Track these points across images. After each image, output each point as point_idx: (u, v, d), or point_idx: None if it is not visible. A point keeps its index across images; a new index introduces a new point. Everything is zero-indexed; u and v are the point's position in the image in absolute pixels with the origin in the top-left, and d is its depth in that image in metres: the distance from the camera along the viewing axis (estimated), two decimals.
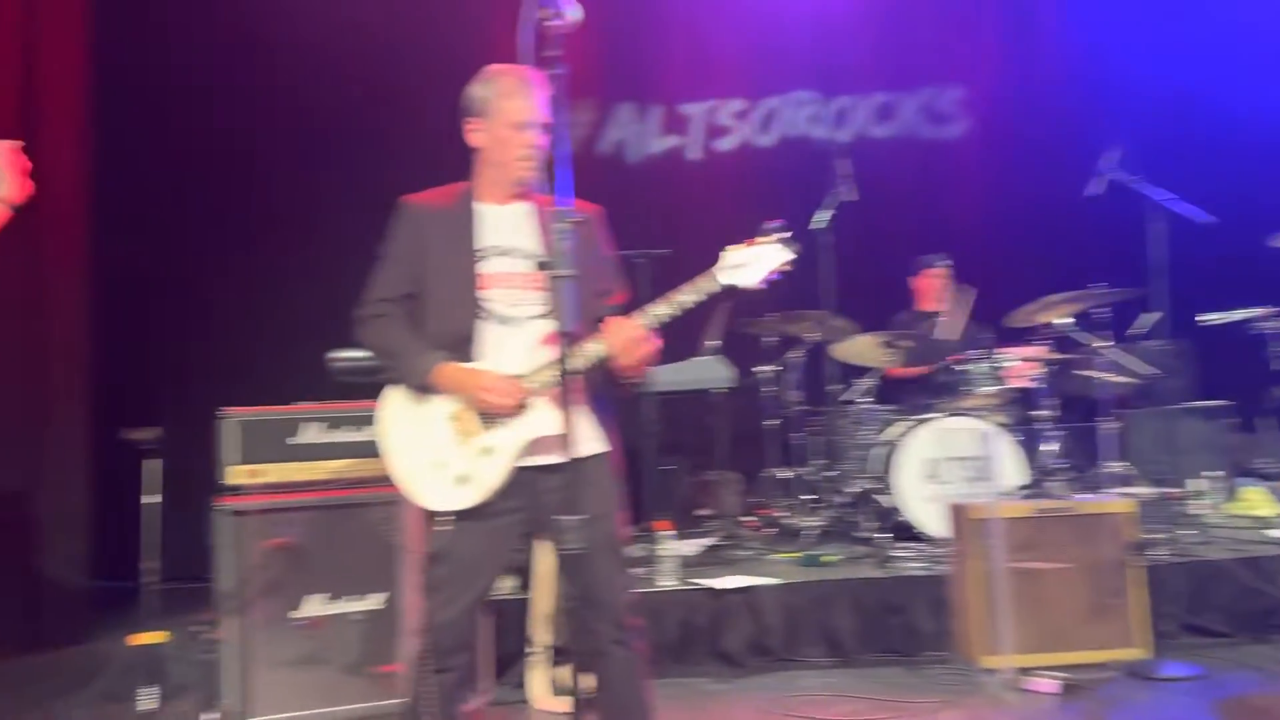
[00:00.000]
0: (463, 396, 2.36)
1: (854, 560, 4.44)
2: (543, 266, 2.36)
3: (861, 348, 5.08)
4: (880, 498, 4.73)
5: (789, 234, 2.36)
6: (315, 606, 3.43)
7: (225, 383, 5.22)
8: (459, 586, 2.37)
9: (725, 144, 6.76)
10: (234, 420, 3.46)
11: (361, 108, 5.95)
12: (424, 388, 2.39)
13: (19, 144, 2.71)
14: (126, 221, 5.49)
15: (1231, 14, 6.62)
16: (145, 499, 3.50)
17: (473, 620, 2.44)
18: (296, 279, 5.76)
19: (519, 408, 2.33)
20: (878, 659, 3.92)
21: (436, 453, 2.38)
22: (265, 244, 5.92)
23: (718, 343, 5.03)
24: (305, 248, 5.80)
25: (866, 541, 4.60)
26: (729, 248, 2.36)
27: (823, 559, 4.42)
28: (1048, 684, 3.55)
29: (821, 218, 5.23)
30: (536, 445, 2.32)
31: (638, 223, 6.04)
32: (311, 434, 3.54)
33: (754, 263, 2.34)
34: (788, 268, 2.35)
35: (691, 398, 5.33)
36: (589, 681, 2.43)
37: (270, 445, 3.49)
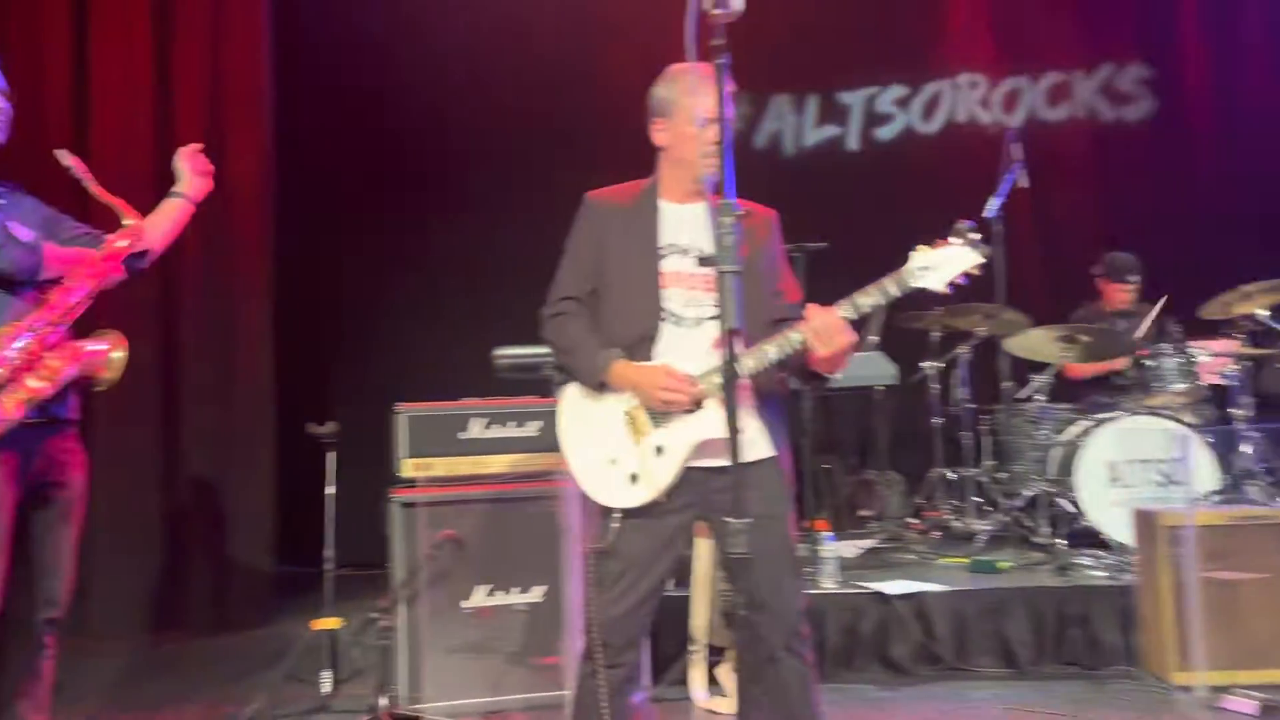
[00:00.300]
0: (636, 393, 2.36)
1: (1029, 567, 4.22)
2: (704, 262, 2.34)
3: (1037, 342, 4.81)
4: (1058, 501, 4.48)
5: (979, 235, 2.24)
6: (480, 598, 3.51)
7: (399, 377, 5.48)
8: (629, 583, 2.36)
9: (886, 132, 6.55)
10: (406, 415, 3.58)
11: (537, 107, 6.00)
12: (600, 385, 2.40)
13: (199, 146, 2.87)
14: (307, 222, 5.78)
15: None
16: (328, 490, 3.65)
17: (643, 618, 2.42)
18: (468, 276, 5.92)
19: (692, 404, 2.30)
20: (1056, 672, 3.72)
21: (610, 450, 2.39)
22: (439, 242, 6.09)
23: (878, 338, 4.88)
24: (479, 245, 5.95)
25: (1043, 548, 4.37)
26: (918, 249, 2.25)
27: (998, 565, 4.22)
28: (1246, 704, 3.29)
29: (991, 205, 4.99)
30: (707, 446, 2.29)
31: (794, 216, 5.89)
32: (478, 429, 3.63)
33: (943, 265, 2.23)
34: (977, 271, 2.24)
35: (852, 395, 5.20)
36: (755, 686, 2.39)
37: (439, 440, 3.59)
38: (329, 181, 6.07)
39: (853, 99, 6.58)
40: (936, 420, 5.19)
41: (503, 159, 6.04)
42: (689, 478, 2.34)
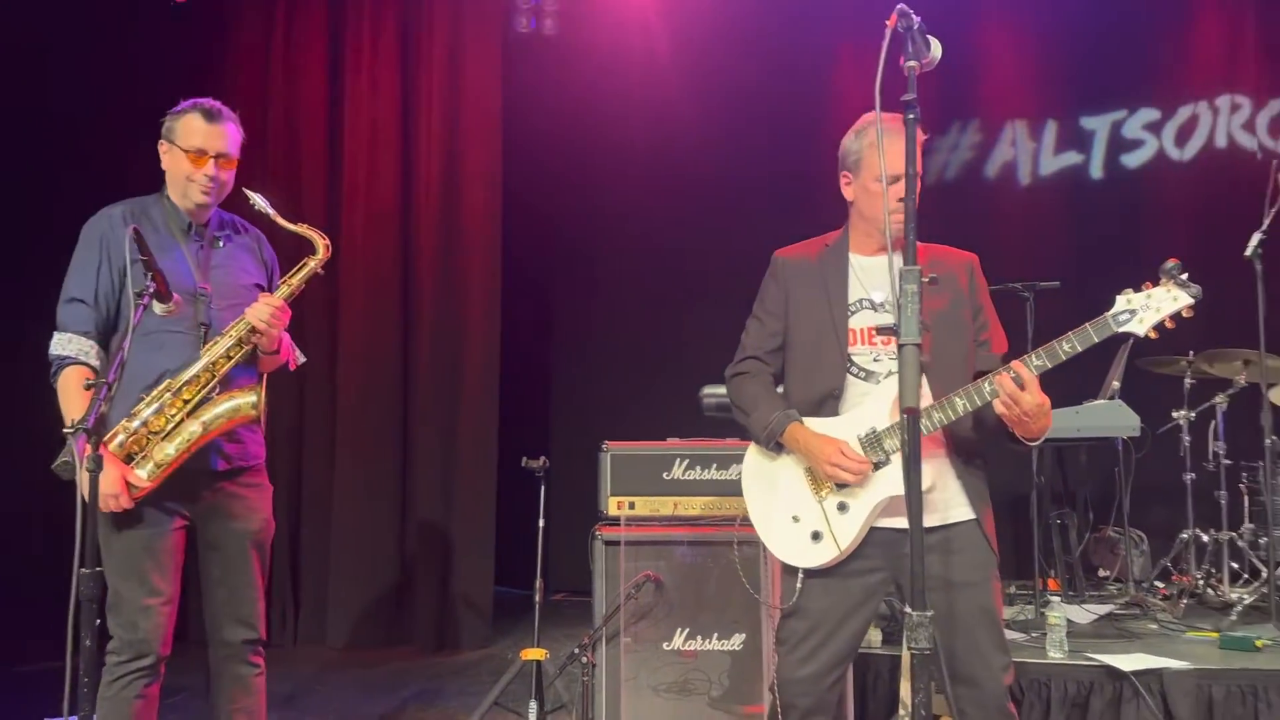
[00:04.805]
0: (809, 460, 2.30)
1: None
2: (882, 331, 2.25)
3: None
4: None
5: (1186, 274, 2.08)
6: (679, 641, 3.50)
7: (611, 415, 5.61)
8: (816, 644, 2.30)
9: (1134, 160, 6.07)
10: (612, 453, 3.64)
11: (752, 152, 6.06)
12: (776, 446, 2.36)
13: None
14: (528, 262, 6.08)
15: None
16: (541, 523, 3.76)
17: (834, 679, 2.34)
18: (681, 312, 6.03)
19: (865, 477, 2.21)
20: None
21: (792, 507, 2.35)
22: (652, 281, 6.27)
23: (1119, 385, 4.49)
24: (694, 284, 6.05)
25: None
26: (1124, 292, 2.14)
27: (1255, 643, 3.77)
28: None
29: (1254, 242, 4.50)
30: (896, 505, 2.19)
31: (1028, 251, 5.66)
32: (682, 470, 3.63)
33: (1148, 309, 2.10)
34: (1188, 314, 2.09)
35: (1090, 446, 4.82)
36: None
37: (643, 479, 3.62)
38: (547, 223, 6.37)
39: (1097, 124, 6.14)
40: (1188, 476, 4.72)
41: (715, 200, 6.11)
42: (878, 538, 2.25)
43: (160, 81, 4.96)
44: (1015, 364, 2.15)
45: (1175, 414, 4.75)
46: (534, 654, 3.70)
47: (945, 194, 5.94)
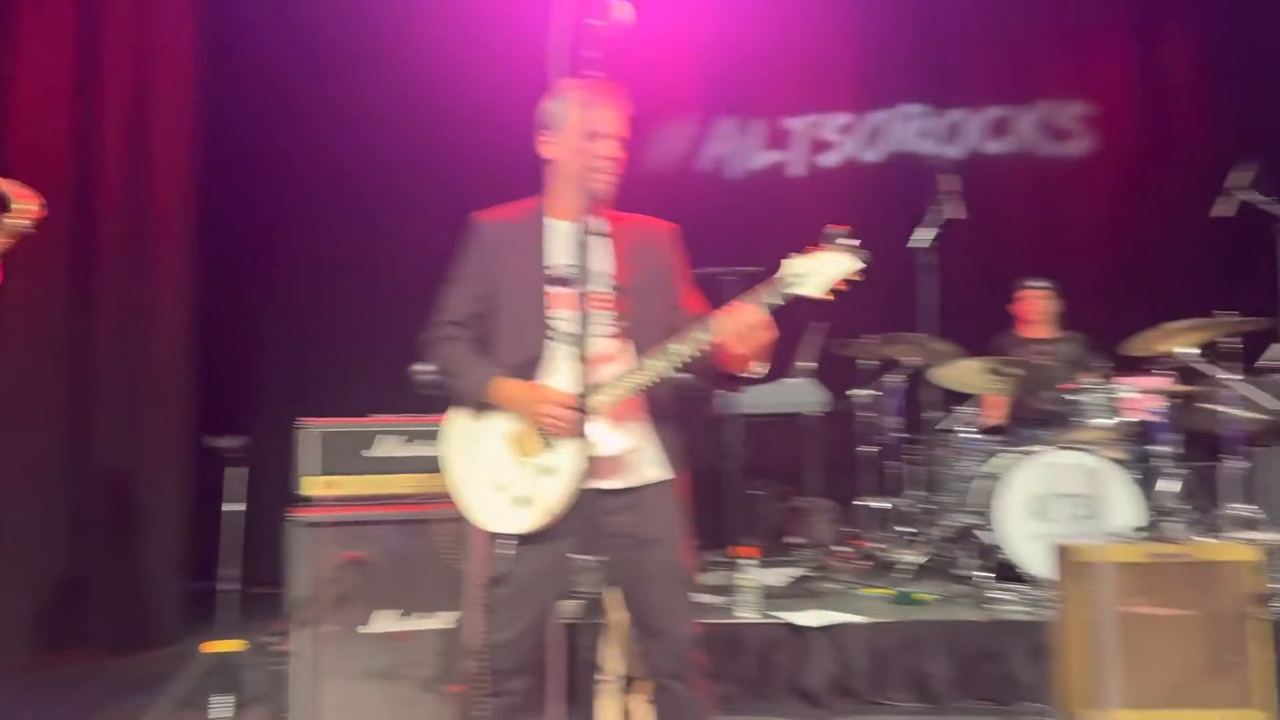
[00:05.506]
0: (521, 414, 2.29)
1: (950, 600, 4.19)
2: (564, 283, 2.29)
3: (965, 373, 4.82)
4: (981, 534, 4.46)
5: (856, 242, 2.20)
6: (386, 622, 3.40)
7: (313, 393, 5.38)
8: (518, 608, 2.30)
9: (829, 159, 6.55)
10: (311, 431, 3.46)
11: (441, 123, 5.97)
12: (482, 405, 2.34)
13: None
14: (227, 233, 5.69)
15: None
16: (226, 506, 3.53)
17: (534, 644, 2.35)
18: (386, 291, 5.83)
19: (577, 425, 2.23)
20: (970, 707, 3.68)
21: (496, 474, 2.33)
22: (356, 259, 6.05)
23: (811, 365, 4.85)
24: (396, 260, 5.86)
25: (965, 580, 4.34)
26: (790, 256, 2.22)
27: (915, 597, 4.19)
28: None
29: (924, 236, 4.99)
30: (597, 467, 2.21)
31: (736, 239, 5.95)
32: (388, 447, 3.52)
33: (818, 272, 2.20)
34: (857, 277, 2.20)
35: (782, 421, 5.16)
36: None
37: (346, 457, 3.47)
38: (248, 200, 6.01)
39: (797, 124, 6.58)
40: (866, 448, 5.16)
41: (432, 167, 5.95)
42: (579, 500, 2.27)
43: None
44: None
45: (857, 391, 5.18)
46: (221, 646, 3.48)
47: (658, 184, 6.13)
